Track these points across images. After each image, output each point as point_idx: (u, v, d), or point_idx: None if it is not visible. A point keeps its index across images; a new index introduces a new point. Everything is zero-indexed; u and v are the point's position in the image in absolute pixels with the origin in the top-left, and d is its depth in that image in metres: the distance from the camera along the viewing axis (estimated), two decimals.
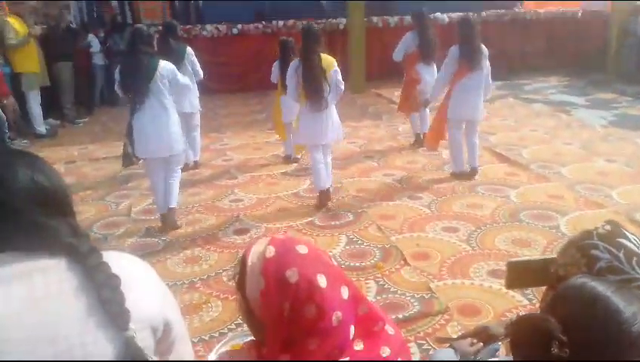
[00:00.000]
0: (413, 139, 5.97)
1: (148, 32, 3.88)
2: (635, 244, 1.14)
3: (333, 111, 4.19)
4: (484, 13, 10.10)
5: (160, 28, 5.34)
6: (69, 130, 7.39)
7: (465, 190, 4.57)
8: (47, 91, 7.12)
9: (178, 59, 4.65)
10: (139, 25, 4.96)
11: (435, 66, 5.54)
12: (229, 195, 4.71)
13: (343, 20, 9.37)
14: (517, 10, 10.86)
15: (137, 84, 3.68)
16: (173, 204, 4.03)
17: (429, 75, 5.52)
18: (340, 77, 4.10)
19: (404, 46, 5.63)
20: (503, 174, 4.93)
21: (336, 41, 9.45)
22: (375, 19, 9.50)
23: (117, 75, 3.84)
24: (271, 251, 0.97)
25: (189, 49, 5.05)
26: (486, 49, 4.66)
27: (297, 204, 4.45)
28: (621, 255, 1.11)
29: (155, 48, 3.90)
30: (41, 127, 6.94)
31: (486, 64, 4.64)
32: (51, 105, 7.40)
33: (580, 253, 1.13)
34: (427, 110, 5.83)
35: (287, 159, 5.58)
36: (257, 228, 4.01)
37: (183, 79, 3.91)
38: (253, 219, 4.18)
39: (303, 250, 0.99)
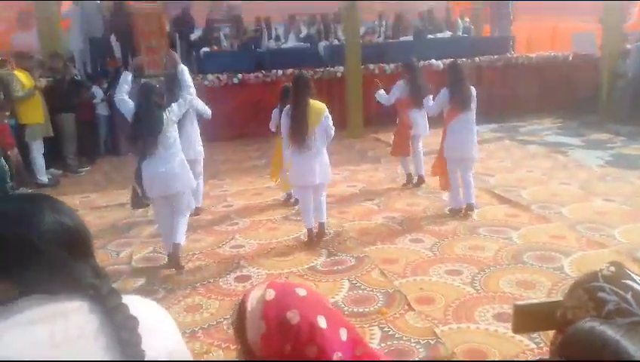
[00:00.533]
0: (405, 180, 6.14)
1: (156, 85, 4.17)
2: None
3: (323, 154, 4.40)
4: (477, 59, 10.40)
5: (162, 78, 5.54)
6: (72, 179, 7.44)
7: (466, 232, 4.57)
8: (50, 141, 7.22)
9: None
10: (146, 80, 5.24)
11: None
12: (229, 241, 4.70)
13: (341, 68, 9.62)
14: (509, 55, 11.15)
15: (147, 134, 3.92)
16: (179, 240, 4.12)
17: (422, 118, 5.88)
18: (330, 122, 4.35)
19: (397, 92, 5.88)
20: (503, 215, 4.94)
21: (335, 87, 9.69)
22: (372, 66, 9.75)
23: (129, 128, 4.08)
24: (271, 294, 0.98)
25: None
26: (474, 89, 4.92)
27: (299, 249, 4.43)
28: (629, 296, 1.11)
29: (164, 100, 4.13)
30: (44, 177, 6.99)
31: (474, 106, 4.91)
32: (54, 155, 7.48)
33: (587, 296, 1.12)
34: (421, 154, 6.05)
35: (288, 200, 5.64)
36: (259, 275, 3.98)
37: (179, 106, 4.09)
38: (255, 265, 4.15)
39: (302, 292, 1.00)
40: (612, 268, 1.17)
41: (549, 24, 13.43)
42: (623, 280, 1.17)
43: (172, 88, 4.84)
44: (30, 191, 6.58)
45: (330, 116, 4.35)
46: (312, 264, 4.11)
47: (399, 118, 6.08)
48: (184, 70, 4.30)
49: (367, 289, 3.63)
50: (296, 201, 5.49)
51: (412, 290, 3.56)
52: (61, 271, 0.90)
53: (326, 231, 4.59)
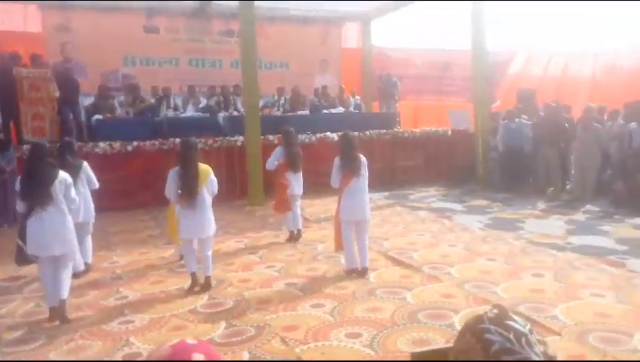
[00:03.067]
0: (288, 235, 6.65)
1: (48, 146, 4.39)
2: (520, 325, 1.23)
3: (209, 210, 4.85)
4: (368, 132, 11.13)
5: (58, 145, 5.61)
6: None
7: (364, 294, 4.65)
8: None
9: (75, 174, 5.02)
10: (39, 141, 5.48)
11: (300, 174, 6.62)
12: (118, 317, 4.31)
13: (241, 138, 9.72)
14: (396, 130, 12.07)
15: (40, 189, 4.06)
16: (64, 296, 4.17)
17: (296, 181, 6.58)
18: (215, 183, 4.93)
19: (275, 158, 6.59)
20: (398, 277, 5.13)
21: (235, 157, 9.74)
22: (271, 137, 9.98)
23: (18, 185, 4.17)
24: (167, 350, 1.01)
25: (85, 164, 5.51)
26: (364, 158, 5.32)
27: (195, 322, 4.19)
28: (511, 336, 1.18)
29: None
30: None
31: (365, 172, 5.27)
32: None
33: (474, 339, 1.18)
34: (299, 211, 6.71)
35: (180, 260, 5.61)
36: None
37: (74, 196, 4.31)
38: (146, 342, 3.83)
39: (198, 357, 1.02)
40: (495, 310, 1.25)
41: (430, 103, 14.89)
42: (506, 321, 1.24)
43: (65, 154, 5.29)
44: None
45: (214, 179, 4.90)
46: (210, 336, 3.89)
47: (277, 179, 6.69)
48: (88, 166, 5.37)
49: (268, 358, 3.50)
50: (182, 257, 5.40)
51: (314, 356, 3.49)
52: None
53: (225, 301, 4.54)
